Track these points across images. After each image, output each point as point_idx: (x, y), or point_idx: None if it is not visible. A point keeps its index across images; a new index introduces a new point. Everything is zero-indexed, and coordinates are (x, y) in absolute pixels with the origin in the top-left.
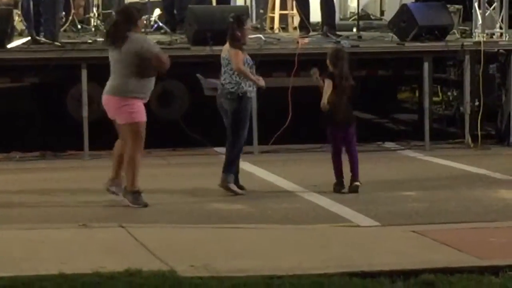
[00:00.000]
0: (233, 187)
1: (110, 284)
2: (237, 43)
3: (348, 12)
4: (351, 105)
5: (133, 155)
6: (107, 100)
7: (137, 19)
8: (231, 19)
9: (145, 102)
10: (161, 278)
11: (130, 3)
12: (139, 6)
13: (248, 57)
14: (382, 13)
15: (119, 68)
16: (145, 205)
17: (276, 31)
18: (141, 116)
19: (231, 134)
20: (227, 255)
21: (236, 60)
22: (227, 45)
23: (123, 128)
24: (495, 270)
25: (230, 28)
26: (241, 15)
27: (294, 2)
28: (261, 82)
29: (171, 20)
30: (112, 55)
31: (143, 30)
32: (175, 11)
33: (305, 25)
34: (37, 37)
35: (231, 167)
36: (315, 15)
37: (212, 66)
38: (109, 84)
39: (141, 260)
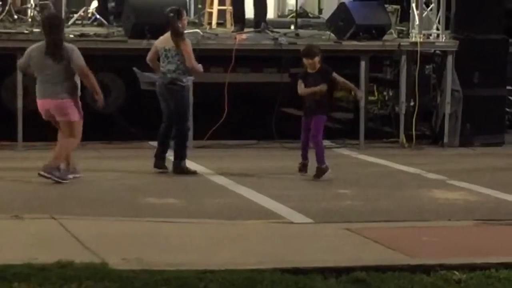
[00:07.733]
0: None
1: (42, 275)
2: (182, 36)
3: (286, 10)
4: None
5: (71, 145)
6: (48, 103)
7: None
8: (171, 14)
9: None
10: (93, 270)
11: None
12: None
13: None
14: (320, 11)
15: (58, 73)
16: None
17: (214, 26)
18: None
19: (178, 121)
20: (160, 249)
21: (192, 56)
22: (167, 36)
23: (65, 125)
24: (426, 269)
25: (172, 21)
26: (180, 8)
27: None
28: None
29: (106, 13)
30: (47, 63)
31: (80, 22)
32: (113, 4)
33: (238, 20)
34: None
35: (184, 152)
36: (248, 11)
37: None
38: (46, 88)
39: (73, 252)
